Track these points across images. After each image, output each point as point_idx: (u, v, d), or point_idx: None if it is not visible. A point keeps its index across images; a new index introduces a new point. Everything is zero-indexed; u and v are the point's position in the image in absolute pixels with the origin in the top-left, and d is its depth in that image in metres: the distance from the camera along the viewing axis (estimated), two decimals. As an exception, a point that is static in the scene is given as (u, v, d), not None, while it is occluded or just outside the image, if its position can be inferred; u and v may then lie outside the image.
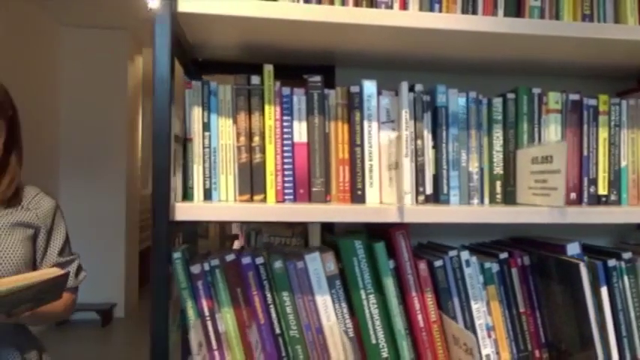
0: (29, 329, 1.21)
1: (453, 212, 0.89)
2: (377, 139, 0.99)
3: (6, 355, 1.12)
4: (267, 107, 0.95)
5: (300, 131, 0.97)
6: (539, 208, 0.93)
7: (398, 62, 1.15)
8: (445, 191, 1.01)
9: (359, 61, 1.16)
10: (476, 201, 1.03)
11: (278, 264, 0.93)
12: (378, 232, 1.03)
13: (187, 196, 0.94)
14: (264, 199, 0.95)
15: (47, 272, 1.00)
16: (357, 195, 0.98)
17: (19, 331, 1.16)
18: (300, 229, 1.73)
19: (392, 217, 0.85)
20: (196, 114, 0.94)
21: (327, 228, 1.20)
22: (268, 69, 0.95)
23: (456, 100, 1.03)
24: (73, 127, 5.02)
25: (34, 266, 1.20)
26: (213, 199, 0.95)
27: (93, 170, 5.08)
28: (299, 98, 0.98)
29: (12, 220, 1.17)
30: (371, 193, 0.99)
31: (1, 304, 0.95)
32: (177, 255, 0.91)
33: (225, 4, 0.83)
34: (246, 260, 0.93)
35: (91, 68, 5.11)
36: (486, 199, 1.04)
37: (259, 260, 0.93)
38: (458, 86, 1.08)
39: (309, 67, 1.16)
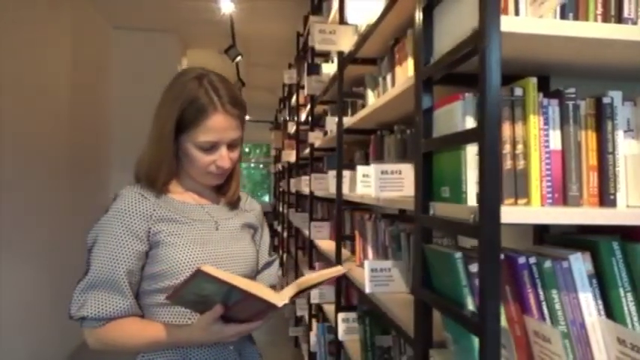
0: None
1: None
2: (622, 146, 1.06)
3: (249, 349, 1.18)
4: (531, 117, 1.02)
5: (554, 139, 1.04)
6: None
7: (612, 72, 1.21)
8: (681, 196, 1.07)
9: (572, 71, 1.22)
10: None
11: (547, 263, 1.00)
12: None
13: (460, 200, 1.01)
14: (528, 203, 1.02)
15: (336, 270, 1.05)
16: (608, 199, 1.05)
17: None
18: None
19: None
20: (469, 124, 1.00)
21: (545, 229, 1.26)
22: (532, 82, 1.02)
23: (689, 110, 1.09)
24: (123, 127, 5.07)
25: (255, 265, 1.26)
26: (481, 203, 1.01)
27: (144, 171, 5.13)
28: (552, 108, 1.04)
29: (240, 221, 1.24)
30: (619, 198, 1.05)
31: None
32: (458, 255, 0.98)
33: (544, 24, 0.89)
34: (521, 260, 0.99)
35: (141, 70, 5.15)
36: None
37: (532, 260, 1.00)
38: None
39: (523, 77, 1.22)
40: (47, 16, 3.56)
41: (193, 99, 1.08)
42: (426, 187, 1.13)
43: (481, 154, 0.86)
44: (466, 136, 0.95)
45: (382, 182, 1.65)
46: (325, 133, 3.17)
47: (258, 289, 0.95)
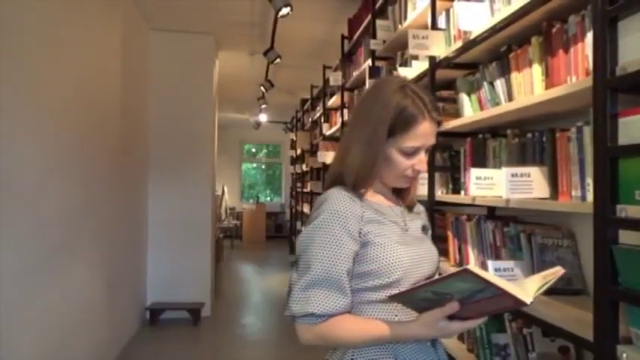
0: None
1: None
2: None
3: (439, 346, 1.23)
4: None
5: None
6: None
7: None
8: None
9: None
10: None
11: None
12: None
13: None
14: None
15: (555, 270, 1.10)
16: None
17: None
18: (566, 230, 1.85)
19: None
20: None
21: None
22: None
23: None
24: (159, 128, 5.09)
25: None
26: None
27: (180, 172, 5.15)
28: None
29: (420, 223, 1.29)
30: None
31: None
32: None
33: None
34: None
35: (177, 71, 5.16)
36: None
37: None
38: None
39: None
40: (101, 19, 3.57)
41: (403, 108, 1.13)
42: (613, 190, 1.19)
43: None
44: None
45: (512, 185, 1.70)
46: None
47: (508, 286, 0.99)
